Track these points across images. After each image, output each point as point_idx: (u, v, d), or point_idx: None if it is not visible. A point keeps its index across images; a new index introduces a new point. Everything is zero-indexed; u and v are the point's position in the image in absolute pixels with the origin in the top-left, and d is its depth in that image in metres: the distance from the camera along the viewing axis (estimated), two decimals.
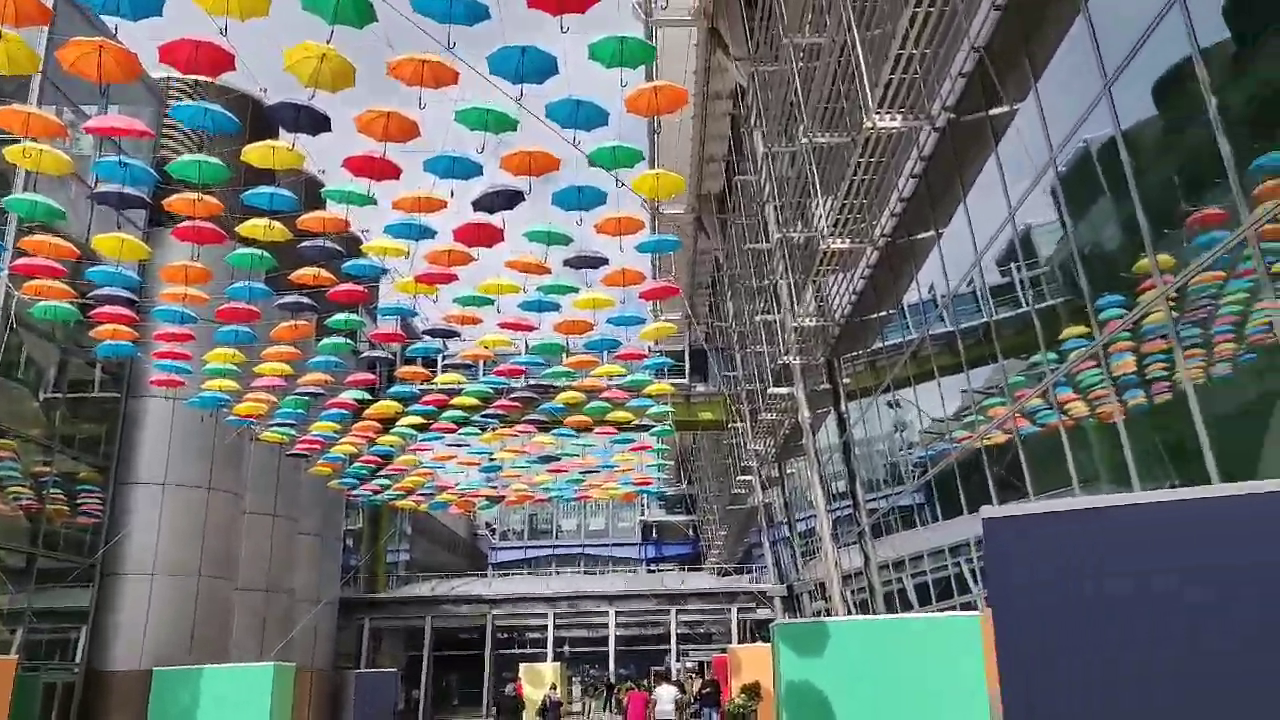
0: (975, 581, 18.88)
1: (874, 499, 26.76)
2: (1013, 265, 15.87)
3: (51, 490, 23.74)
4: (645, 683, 36.71)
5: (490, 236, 14.03)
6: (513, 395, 24.56)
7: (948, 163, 16.06)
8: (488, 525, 71.45)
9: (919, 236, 18.57)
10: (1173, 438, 10.76)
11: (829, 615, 26.14)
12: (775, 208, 26.03)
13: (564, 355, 21.23)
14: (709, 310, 46.94)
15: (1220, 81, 9.13)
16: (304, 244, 15.27)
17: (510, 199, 13.49)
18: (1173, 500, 3.38)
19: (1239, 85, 9.20)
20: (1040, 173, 12.78)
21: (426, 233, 14.28)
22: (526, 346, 21.25)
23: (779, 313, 27.58)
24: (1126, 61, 10.51)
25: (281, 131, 13.62)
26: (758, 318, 30.88)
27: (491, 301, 16.94)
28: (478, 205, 13.73)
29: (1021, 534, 3.35)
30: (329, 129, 12.94)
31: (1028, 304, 15.10)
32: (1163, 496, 3.37)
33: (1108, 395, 12.33)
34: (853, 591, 27.70)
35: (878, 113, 15.19)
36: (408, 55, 11.49)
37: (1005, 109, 13.83)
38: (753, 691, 13.96)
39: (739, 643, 35.59)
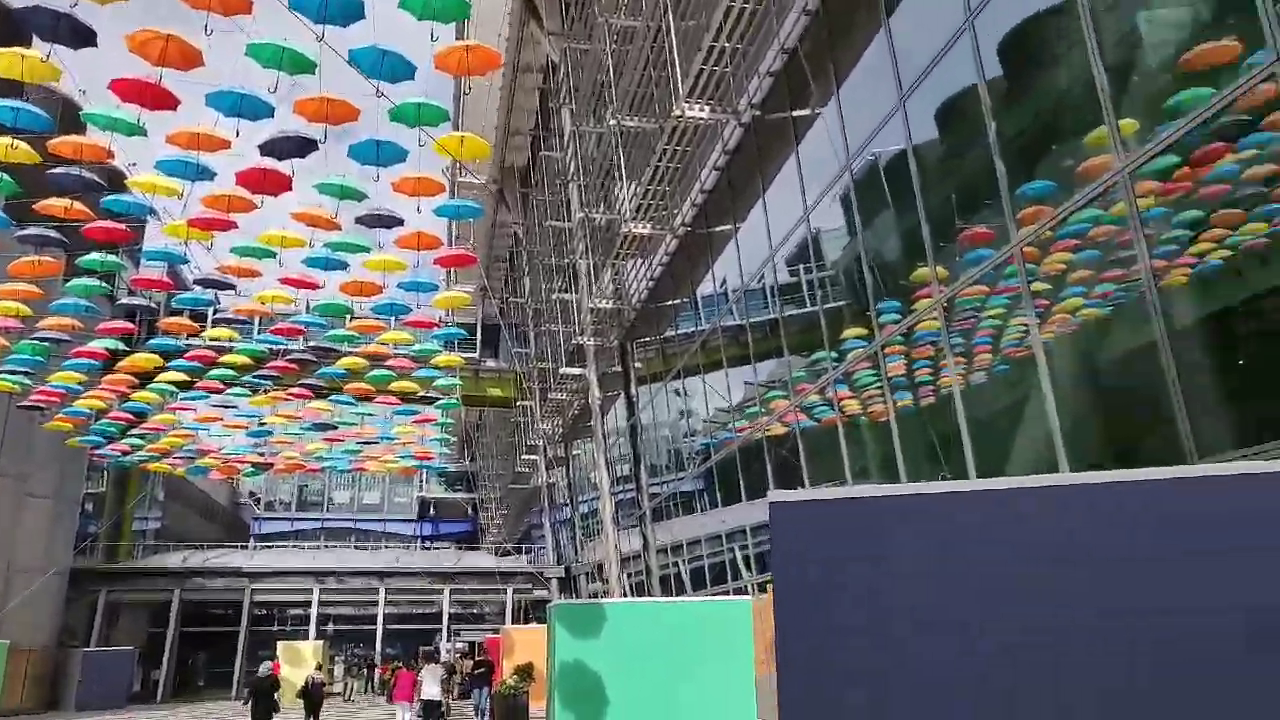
0: (748, 568, 19.73)
1: (656, 484, 27.38)
2: (802, 266, 16.60)
3: None
4: (414, 663, 35.82)
5: (277, 184, 12.96)
6: (289, 356, 22.89)
7: (750, 159, 16.53)
8: (251, 494, 67.17)
9: (718, 229, 19.03)
10: (937, 436, 11.57)
11: (606, 597, 26.45)
12: (579, 187, 25.92)
13: (348, 318, 20.05)
14: (504, 285, 46.27)
15: (999, 109, 9.82)
16: (56, 170, 13.51)
17: (302, 146, 12.50)
18: (955, 491, 3.47)
19: (1014, 115, 9.92)
20: (835, 177, 13.36)
21: (204, 173, 12.98)
22: (308, 306, 19.98)
23: (576, 293, 27.53)
24: (919, 80, 11.14)
25: (35, 40, 11.99)
26: (555, 296, 30.70)
27: (273, 254, 15.72)
28: (265, 150, 12.61)
29: (807, 518, 3.36)
30: (94, 44, 11.48)
31: (814, 304, 15.84)
32: (945, 488, 3.44)
33: (880, 395, 13.15)
34: (630, 574, 28.25)
35: (687, 102, 15.37)
36: None
37: (808, 111, 14.36)
38: (525, 672, 13.79)
39: (514, 624, 35.43)
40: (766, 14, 14.14)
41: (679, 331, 23.00)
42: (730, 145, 16.97)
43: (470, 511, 72.26)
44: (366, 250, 15.95)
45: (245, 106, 11.61)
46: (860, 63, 12.87)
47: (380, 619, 37.93)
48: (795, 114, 14.94)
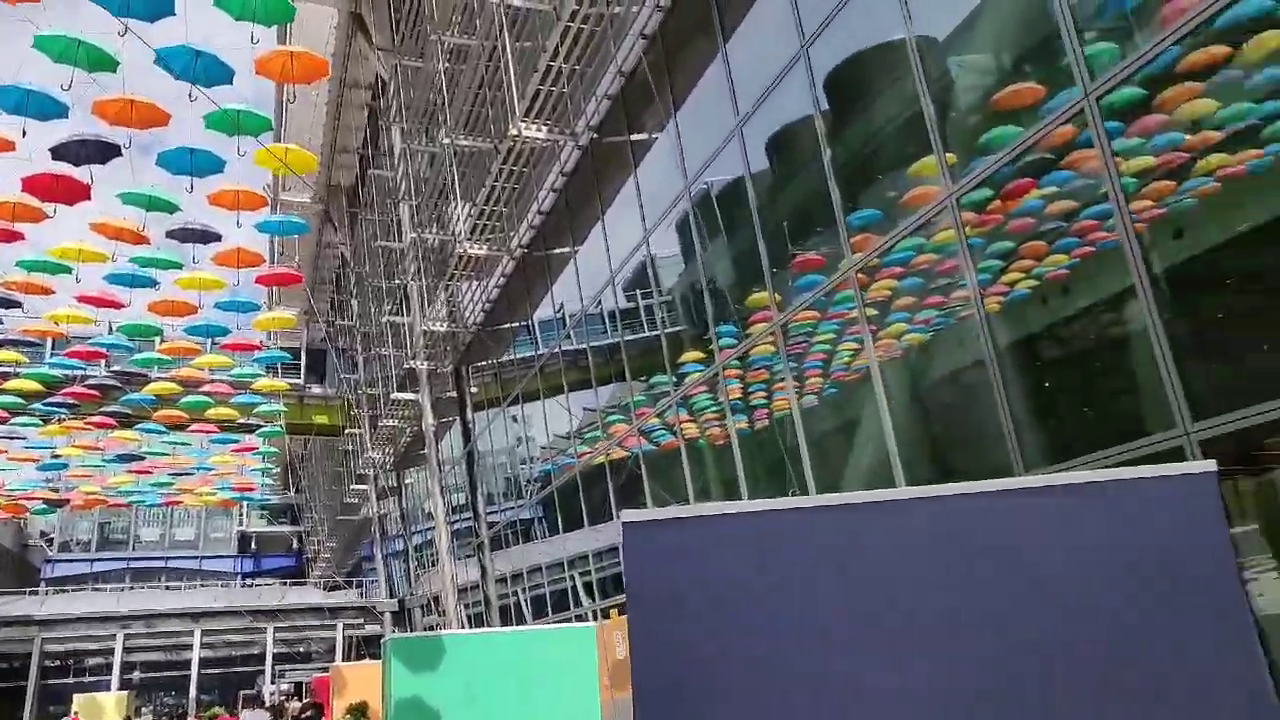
0: (589, 594, 19.52)
1: (495, 512, 26.82)
2: (640, 291, 16.69)
3: None
4: (233, 708, 33.43)
5: (71, 192, 11.76)
6: (88, 382, 20.93)
7: (588, 181, 16.49)
8: (43, 534, 61.12)
9: (556, 251, 18.87)
10: (774, 457, 11.79)
11: (442, 629, 25.55)
12: (411, 207, 25.23)
13: (158, 340, 18.43)
14: (331, 308, 44.34)
15: (832, 138, 10.15)
16: None
17: (102, 151, 11.40)
18: (810, 507, 3.33)
19: (845, 144, 10.28)
20: (674, 202, 13.46)
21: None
22: (110, 327, 18.25)
23: (408, 315, 26.69)
24: (756, 107, 11.39)
25: None
26: (385, 319, 29.64)
27: (69, 270, 14.27)
28: (58, 154, 11.42)
29: (661, 537, 3.20)
30: None
31: (653, 328, 15.92)
32: (803, 503, 3.31)
33: (719, 418, 13.35)
34: (468, 605, 27.50)
35: (524, 122, 15.18)
36: None
37: (646, 135, 14.46)
38: (359, 712, 12.99)
39: (344, 661, 33.71)
40: (604, 37, 14.16)
41: (516, 356, 22.65)
42: (568, 167, 16.86)
43: (295, 545, 68.76)
44: (179, 267, 14.71)
45: (33, 104, 10.46)
46: (698, 88, 13.05)
47: (195, 663, 35.23)
48: (633, 137, 15.02)
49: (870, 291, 9.77)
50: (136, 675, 37.21)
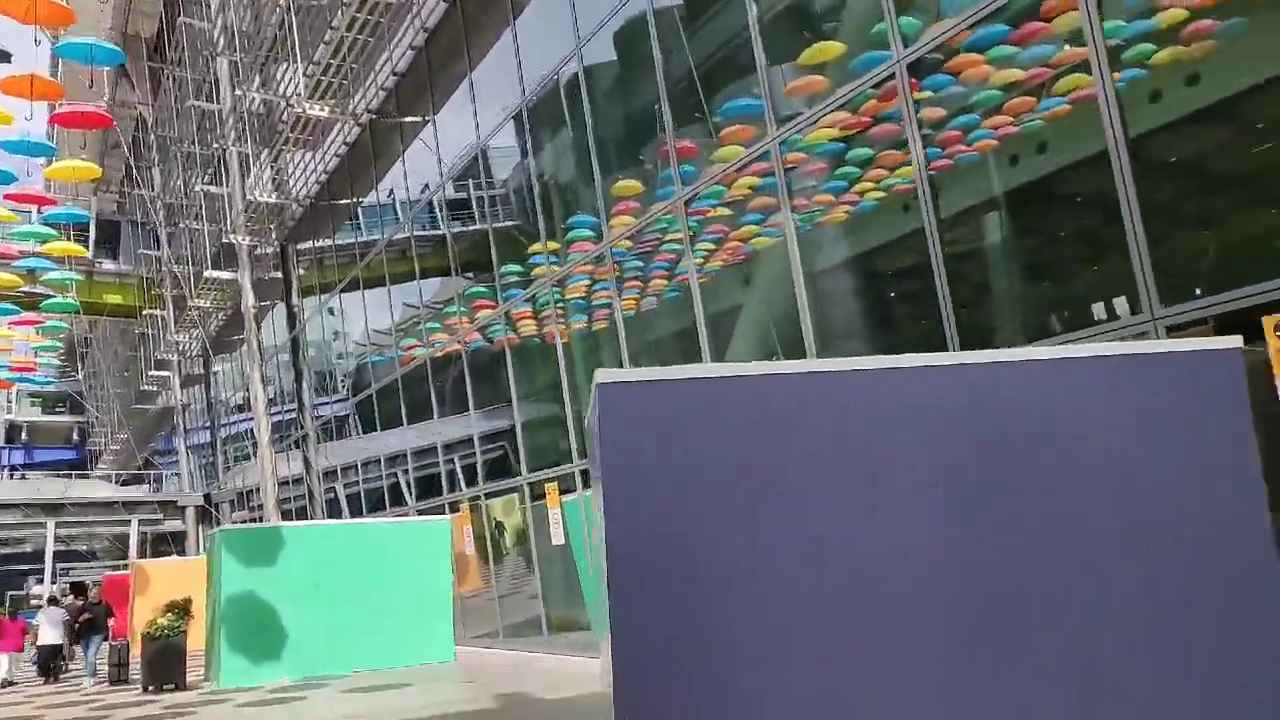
0: (409, 492, 18.89)
1: (321, 403, 25.41)
2: (470, 181, 15.73)
3: None
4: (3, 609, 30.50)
5: None
6: None
7: (455, 36, 15.05)
8: None
9: (410, 119, 17.35)
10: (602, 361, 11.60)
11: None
12: (232, 63, 22.66)
13: None
14: (125, 177, 39.89)
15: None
16: None
17: None
18: (832, 371, 3.07)
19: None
20: (556, 67, 12.43)
21: None
22: None
23: (227, 186, 24.20)
24: None
25: None
26: (199, 188, 26.80)
27: None
28: None
29: (644, 400, 2.94)
30: None
31: (492, 217, 15.14)
32: (820, 366, 3.05)
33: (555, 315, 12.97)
34: (284, 500, 26.00)
35: None
36: None
37: None
38: (182, 609, 11.87)
39: (141, 557, 31.38)
40: None
41: (361, 240, 20.90)
42: (430, 21, 15.38)
43: (76, 437, 63.36)
44: None
45: None
46: None
47: None
48: None
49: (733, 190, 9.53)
50: None
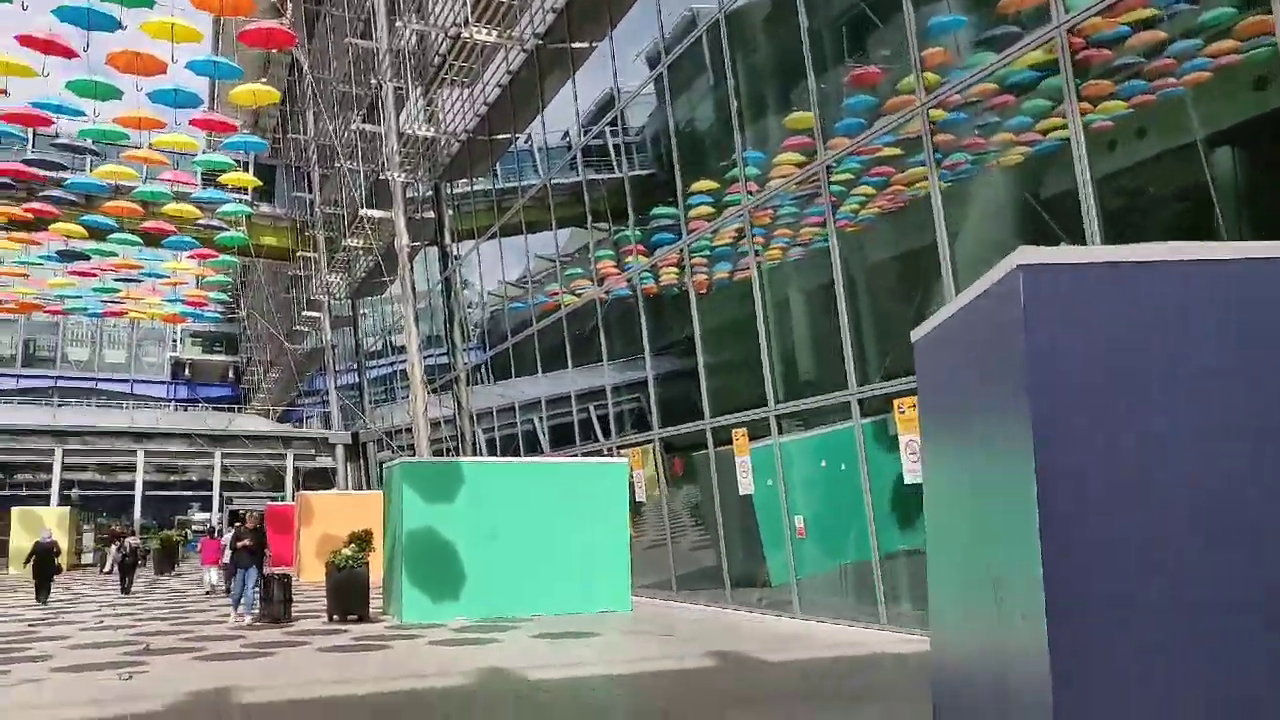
0: (544, 440, 18.68)
1: (469, 348, 25.44)
2: (608, 129, 14.88)
3: None
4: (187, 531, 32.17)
5: None
6: (26, 157, 17.87)
7: None
8: None
9: (578, 45, 16.49)
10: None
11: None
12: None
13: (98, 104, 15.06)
14: (278, 124, 40.75)
15: None
16: None
17: None
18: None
19: None
20: None
21: None
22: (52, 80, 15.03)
23: (383, 123, 24.04)
24: None
25: None
26: (355, 127, 26.81)
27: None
28: None
29: (1083, 290, 2.35)
30: None
31: (645, 163, 14.28)
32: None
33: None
34: (432, 441, 26.16)
35: None
36: None
37: None
38: (364, 541, 11.63)
39: (295, 491, 32.38)
40: None
41: (521, 184, 20.39)
42: None
43: (232, 375, 66.47)
44: (150, 4, 11.81)
45: None
46: None
47: (139, 486, 33.50)
48: None
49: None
50: (75, 492, 35.40)
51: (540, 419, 19.92)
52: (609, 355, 16.14)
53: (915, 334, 3.57)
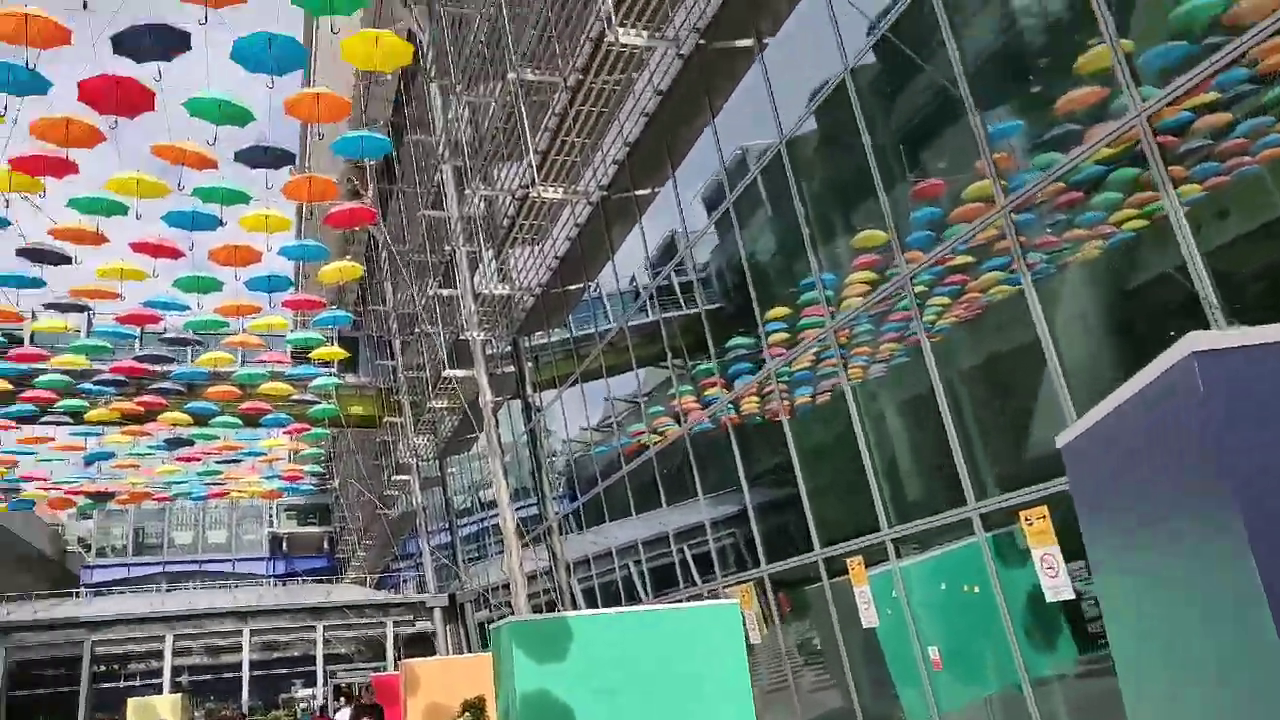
0: (643, 584, 18.37)
1: (558, 497, 25.47)
2: (673, 269, 15.24)
3: None
4: (295, 710, 32.06)
5: (135, 100, 9.82)
6: (138, 355, 18.93)
7: (692, 93, 14.61)
8: (80, 541, 60.03)
9: (641, 192, 17.07)
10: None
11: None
12: (460, 168, 23.49)
13: (200, 297, 15.97)
14: (359, 298, 42.70)
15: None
16: None
17: (168, 40, 9.38)
18: None
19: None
20: (809, 105, 11.64)
21: (37, 82, 9.50)
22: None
23: (458, 285, 24.96)
24: None
25: None
26: (432, 291, 27.88)
27: (124, 209, 12.22)
28: (121, 45, 9.40)
29: (1262, 369, 2.20)
30: None
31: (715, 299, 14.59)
32: None
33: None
34: (530, 596, 25.89)
35: (621, 25, 13.31)
36: None
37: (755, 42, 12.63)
38: (477, 709, 11.33)
39: (396, 659, 32.12)
40: None
41: (597, 330, 20.95)
42: (663, 84, 15.04)
43: (326, 546, 67.42)
44: (246, 200, 12.65)
45: None
46: None
47: (246, 665, 33.66)
48: (738, 43, 13.23)
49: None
50: (186, 679, 35.70)
51: (637, 563, 19.62)
52: (703, 489, 15.94)
53: (1061, 439, 3.38)
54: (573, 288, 21.43)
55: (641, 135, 16.23)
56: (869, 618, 11.14)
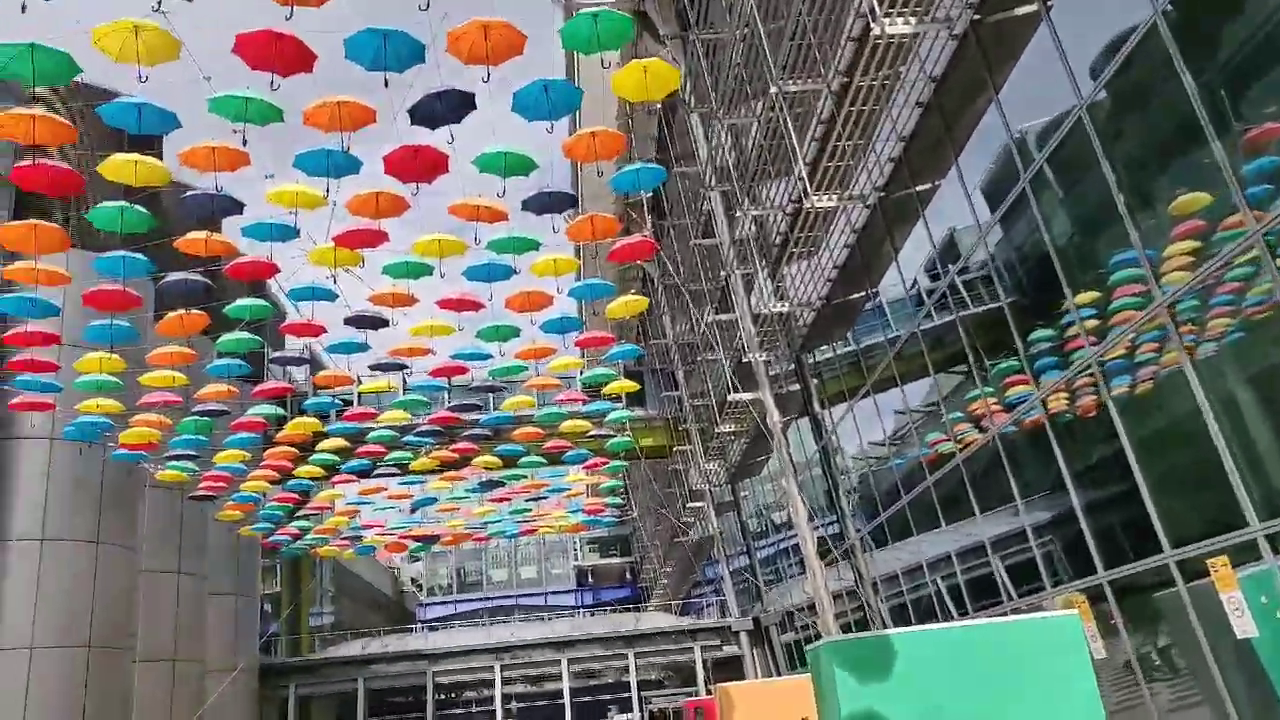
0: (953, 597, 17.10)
1: (855, 513, 24.64)
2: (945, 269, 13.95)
3: None
4: None
5: (431, 165, 10.74)
6: (451, 406, 20.74)
7: (970, 74, 13.62)
8: (414, 581, 66.83)
9: (921, 187, 16.16)
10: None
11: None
12: (732, 191, 23.57)
13: (501, 345, 17.14)
14: (639, 333, 44.16)
15: None
16: (188, 194, 11.76)
17: (459, 105, 10.16)
18: None
19: None
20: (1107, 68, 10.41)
21: (351, 164, 10.75)
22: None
23: (736, 308, 24.98)
24: None
25: None
26: (709, 318, 28.14)
27: (429, 270, 13.41)
28: (416, 114, 10.32)
29: None
30: None
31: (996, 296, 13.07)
32: None
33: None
34: (836, 616, 25.09)
35: (886, 16, 12.66)
36: None
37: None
38: None
39: (707, 683, 32.45)
40: None
41: (884, 337, 20.16)
42: (936, 70, 14.15)
43: (629, 575, 69.96)
44: (536, 247, 13.40)
45: (393, 48, 9.40)
46: None
47: (566, 691, 35.51)
48: (1020, 11, 12.15)
49: None
50: (514, 705, 38.34)
51: (951, 576, 18.44)
52: (1020, 494, 14.68)
53: None
54: (854, 297, 20.74)
55: (918, 127, 15.40)
56: (1244, 628, 9.59)
